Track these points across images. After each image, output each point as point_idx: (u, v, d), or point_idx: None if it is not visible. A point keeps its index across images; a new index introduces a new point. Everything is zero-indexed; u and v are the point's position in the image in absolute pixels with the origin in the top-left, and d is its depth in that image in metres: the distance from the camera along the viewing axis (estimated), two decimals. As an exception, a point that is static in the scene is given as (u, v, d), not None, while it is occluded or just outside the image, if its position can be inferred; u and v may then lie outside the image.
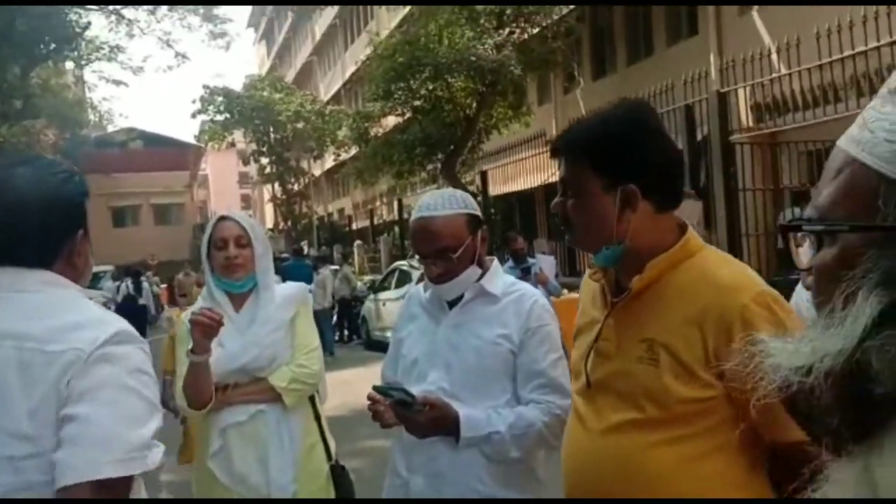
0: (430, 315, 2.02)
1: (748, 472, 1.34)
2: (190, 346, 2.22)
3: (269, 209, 41.29)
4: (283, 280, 2.85)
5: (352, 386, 1.93)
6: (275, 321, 2.39)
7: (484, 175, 14.49)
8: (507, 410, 1.86)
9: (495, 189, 14.02)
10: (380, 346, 12.35)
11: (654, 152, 1.40)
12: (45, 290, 1.33)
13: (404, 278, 12.31)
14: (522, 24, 15.02)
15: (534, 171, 13.15)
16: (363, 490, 2.60)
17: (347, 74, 30.23)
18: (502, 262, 2.21)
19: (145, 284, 16.02)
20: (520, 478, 1.89)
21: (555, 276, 8.15)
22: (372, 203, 26.72)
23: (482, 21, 14.90)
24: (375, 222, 23.50)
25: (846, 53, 7.03)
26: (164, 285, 20.37)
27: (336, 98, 32.51)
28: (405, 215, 18.83)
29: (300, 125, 28.74)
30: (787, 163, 8.81)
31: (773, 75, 8.34)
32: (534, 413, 1.84)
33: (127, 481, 1.25)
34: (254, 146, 32.35)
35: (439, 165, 16.55)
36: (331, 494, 2.43)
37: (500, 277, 1.99)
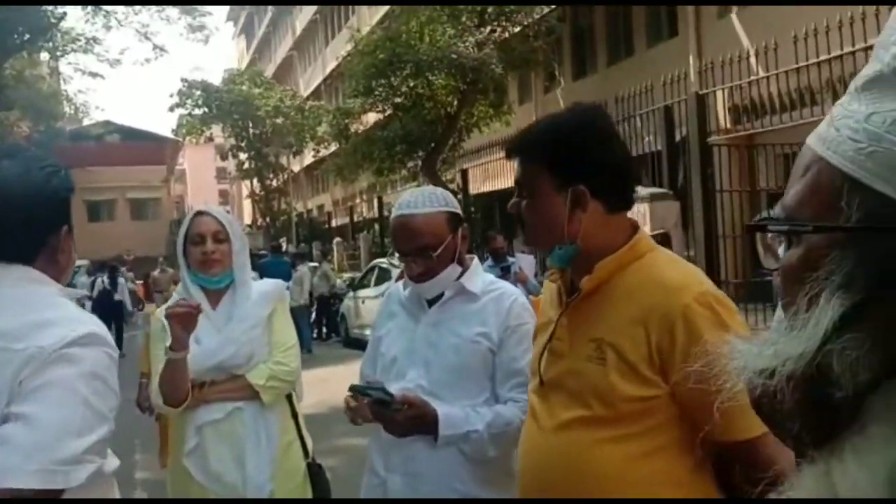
0: (410, 313, 2.01)
1: (692, 471, 1.36)
2: (168, 343, 2.19)
3: (247, 205, 41.03)
4: (261, 277, 2.83)
5: (329, 384, 1.92)
6: (252, 318, 2.37)
7: (464, 173, 14.49)
8: (486, 409, 1.86)
9: (475, 187, 14.04)
10: (358, 344, 12.31)
11: (603, 154, 1.43)
12: (23, 287, 1.30)
13: (384, 276, 12.28)
14: (504, 23, 15.05)
15: (514, 171, 13.14)
16: (339, 489, 2.59)
17: (328, 70, 30.10)
18: (482, 260, 2.22)
19: (121, 280, 15.79)
20: (498, 476, 1.88)
21: (534, 274, 8.18)
22: (352, 200, 26.63)
23: (463, 19, 14.90)
24: (355, 219, 23.42)
25: (822, 57, 7.13)
26: (139, 281, 20.13)
27: (316, 94, 32.36)
28: (385, 213, 18.79)
29: (279, 120, 28.56)
30: (763, 165, 8.92)
31: (751, 78, 8.44)
32: (512, 412, 1.84)
33: (50, 494, 1.18)
34: (232, 141, 32.08)
35: (420, 163, 16.54)
36: (308, 493, 2.42)
37: (479, 276, 1.99)
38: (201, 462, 2.30)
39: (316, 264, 15.68)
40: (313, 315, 14.59)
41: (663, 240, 8.24)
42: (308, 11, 32.96)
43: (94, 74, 36.47)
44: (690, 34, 12.80)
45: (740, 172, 9.03)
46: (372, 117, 17.75)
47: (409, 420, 1.80)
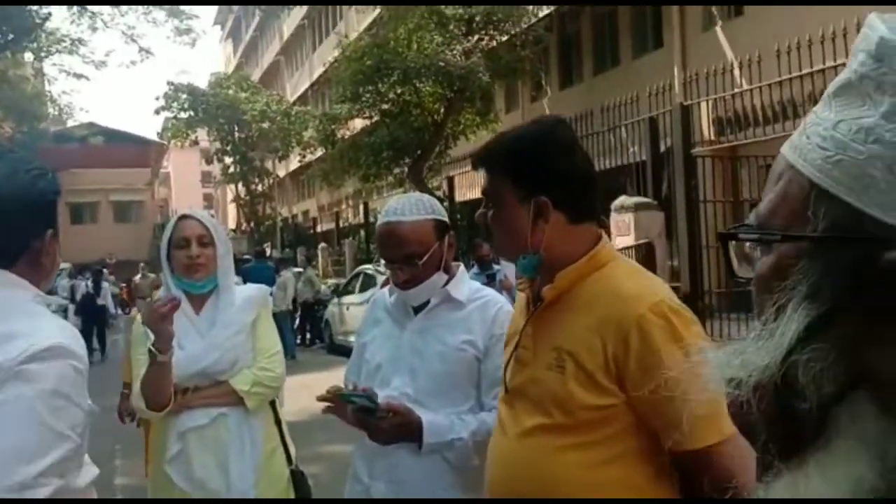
0: (395, 320, 2.01)
1: (651, 480, 1.38)
2: (149, 344, 2.17)
3: (231, 209, 40.80)
4: (245, 282, 2.81)
5: (313, 390, 1.89)
6: (236, 324, 2.36)
7: (451, 181, 14.51)
8: (471, 417, 1.86)
9: (462, 195, 14.06)
10: (342, 351, 12.27)
11: (565, 166, 1.46)
12: None
13: (369, 282, 12.26)
14: (491, 32, 15.13)
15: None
16: (321, 496, 2.58)
17: (315, 75, 30.05)
18: (468, 268, 2.22)
19: (105, 284, 15.65)
20: (481, 484, 1.88)
21: (519, 282, 8.19)
22: (337, 206, 26.56)
23: (451, 27, 14.96)
24: (341, 225, 23.35)
25: (805, 71, 7.23)
26: (122, 285, 19.94)
27: (303, 99, 32.28)
28: (371, 219, 18.77)
29: (266, 125, 28.45)
30: (746, 176, 9.00)
31: (735, 90, 8.54)
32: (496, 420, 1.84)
33: None
34: (218, 145, 31.91)
35: (406, 170, 16.55)
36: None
37: (465, 283, 1.99)
38: (184, 468, 2.28)
39: (300, 270, 15.62)
40: (297, 321, 14.52)
41: (647, 249, 8.32)
42: (296, 16, 32.92)
43: (78, 76, 36.18)
44: (675, 45, 12.93)
45: (724, 183, 9.11)
46: (359, 123, 17.75)
47: (393, 428, 1.80)
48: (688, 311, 1.41)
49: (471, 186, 14.71)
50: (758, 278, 0.55)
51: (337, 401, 1.84)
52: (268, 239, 29.25)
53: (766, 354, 0.51)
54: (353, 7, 24.71)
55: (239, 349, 2.34)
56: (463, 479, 1.86)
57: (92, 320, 14.39)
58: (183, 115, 30.23)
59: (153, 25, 45.07)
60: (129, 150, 39.43)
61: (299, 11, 31.60)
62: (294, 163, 30.41)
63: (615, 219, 8.52)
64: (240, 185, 32.78)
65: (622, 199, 8.62)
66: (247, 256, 15.67)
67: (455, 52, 14.66)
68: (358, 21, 23.89)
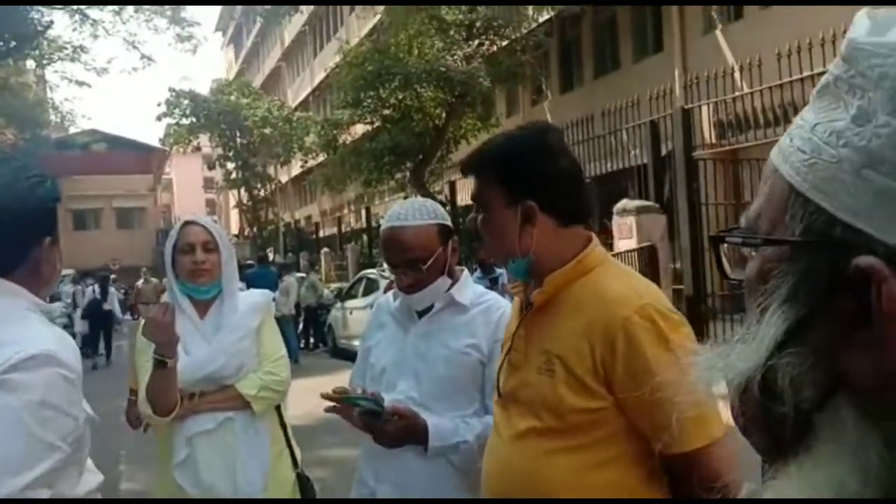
0: (400, 324, 2.02)
1: (643, 482, 1.38)
2: (151, 351, 2.18)
3: (234, 215, 40.85)
4: (248, 287, 2.82)
5: (316, 395, 1.89)
6: (242, 329, 2.37)
7: (452, 185, 14.53)
8: (475, 420, 1.87)
9: (463, 199, 14.07)
10: (346, 355, 12.26)
11: (551, 170, 1.47)
12: None
13: (372, 286, 12.26)
14: (492, 37, 15.17)
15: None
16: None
17: (316, 81, 30.13)
18: (470, 272, 2.22)
19: (111, 289, 15.74)
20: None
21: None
22: (340, 210, 26.59)
23: (452, 32, 15.00)
24: (343, 230, 23.38)
25: (805, 74, 7.24)
26: (123, 289, 19.98)
27: (304, 104, 32.35)
28: (373, 223, 18.79)
29: (267, 131, 28.50)
30: (747, 179, 9.01)
31: (736, 93, 8.55)
32: None
33: None
34: (220, 151, 31.96)
35: (408, 174, 16.57)
36: (297, 503, 2.41)
37: (469, 288, 2.00)
38: (192, 473, 2.28)
39: (303, 275, 15.63)
40: (300, 325, 14.53)
41: (650, 252, 8.33)
42: (297, 22, 32.98)
43: (80, 83, 36.09)
44: (676, 49, 12.96)
45: (725, 186, 9.13)
46: (360, 128, 17.78)
47: (398, 431, 1.81)
48: (676, 313, 1.41)
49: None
50: (746, 281, 0.55)
51: (342, 403, 1.85)
52: (270, 244, 29.27)
53: (748, 357, 0.51)
54: (354, 13, 24.78)
55: (244, 354, 2.35)
56: (468, 482, 1.86)
57: (98, 325, 14.55)
58: (185, 121, 30.30)
59: (154, 32, 45.21)
60: (132, 156, 39.50)
61: (300, 17, 31.66)
62: (296, 168, 30.44)
63: (617, 222, 8.53)
64: (242, 191, 32.83)
65: (624, 203, 8.63)
66: (250, 262, 15.66)
67: (456, 57, 14.70)
68: (359, 27, 23.96)
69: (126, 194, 39.85)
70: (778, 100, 7.76)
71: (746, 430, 0.54)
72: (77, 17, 22.74)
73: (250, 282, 9.95)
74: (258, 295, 2.54)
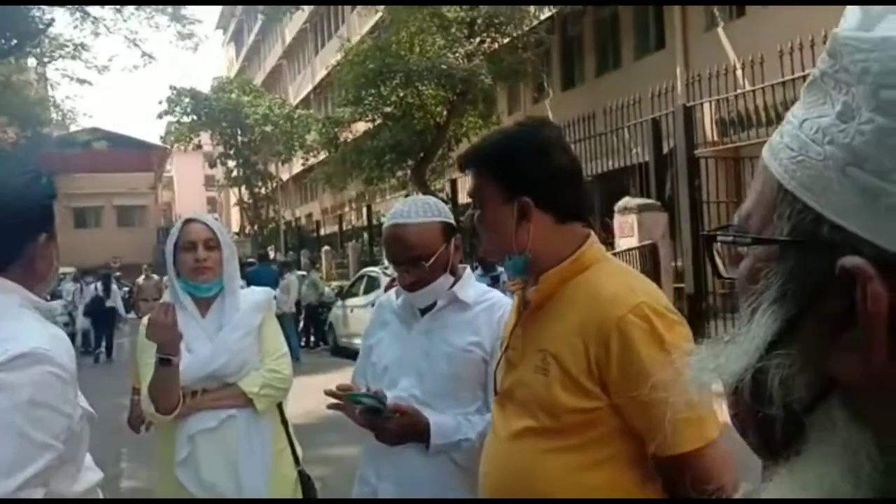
0: (402, 322, 2.02)
1: (639, 484, 1.37)
2: (154, 350, 2.18)
3: (235, 213, 40.85)
4: (248, 285, 2.82)
5: (317, 393, 1.89)
6: (244, 327, 2.37)
7: (453, 183, 14.52)
8: (478, 418, 1.86)
9: (465, 197, 14.08)
10: (346, 353, 12.27)
11: (547, 166, 1.45)
12: None
13: (372, 285, 12.27)
14: (493, 35, 15.16)
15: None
16: (327, 498, 2.58)
17: (317, 79, 30.12)
18: (471, 269, 2.22)
19: (114, 287, 15.80)
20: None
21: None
22: (341, 208, 26.59)
23: (453, 30, 15.00)
24: (344, 228, 23.38)
25: (807, 71, 7.21)
26: (126, 287, 20.00)
27: (305, 102, 32.34)
28: (374, 221, 18.79)
29: (268, 128, 28.49)
30: (749, 177, 8.98)
31: (738, 91, 8.54)
32: None
33: None
34: (221, 149, 31.97)
35: (409, 172, 16.58)
36: (299, 501, 2.41)
37: (472, 285, 2.00)
38: (193, 471, 2.28)
39: (304, 273, 15.63)
40: (301, 323, 14.54)
41: (651, 250, 8.33)
42: (298, 20, 32.98)
43: (81, 81, 36.14)
44: (678, 47, 12.94)
45: (727, 184, 9.12)
46: (361, 126, 17.78)
47: (400, 428, 1.81)
48: (673, 312, 1.39)
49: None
50: (738, 280, 0.54)
51: (345, 400, 1.85)
52: (271, 242, 29.29)
53: (738, 359, 0.50)
54: (356, 11, 24.77)
55: (247, 352, 2.35)
56: (470, 480, 1.86)
57: (101, 322, 14.63)
58: (186, 119, 30.31)
59: (155, 30, 45.27)
60: (133, 154, 39.52)
61: (301, 15, 31.67)
62: (297, 166, 30.47)
63: (619, 220, 8.53)
64: (243, 189, 32.84)
65: (625, 201, 8.63)
66: (251, 260, 15.67)
67: (457, 54, 14.70)
68: (360, 24, 23.94)
69: (127, 192, 39.88)
70: (780, 97, 7.75)
71: (742, 430, 0.54)
72: (78, 14, 22.74)
73: (251, 280, 9.94)
74: (260, 293, 2.54)
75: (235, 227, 38.05)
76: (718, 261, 0.58)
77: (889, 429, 0.45)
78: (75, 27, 26.75)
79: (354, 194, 23.59)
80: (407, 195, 12.15)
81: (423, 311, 1.97)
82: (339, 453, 5.51)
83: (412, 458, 1.86)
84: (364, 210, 20.31)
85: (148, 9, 23.06)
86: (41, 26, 21.62)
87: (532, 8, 14.79)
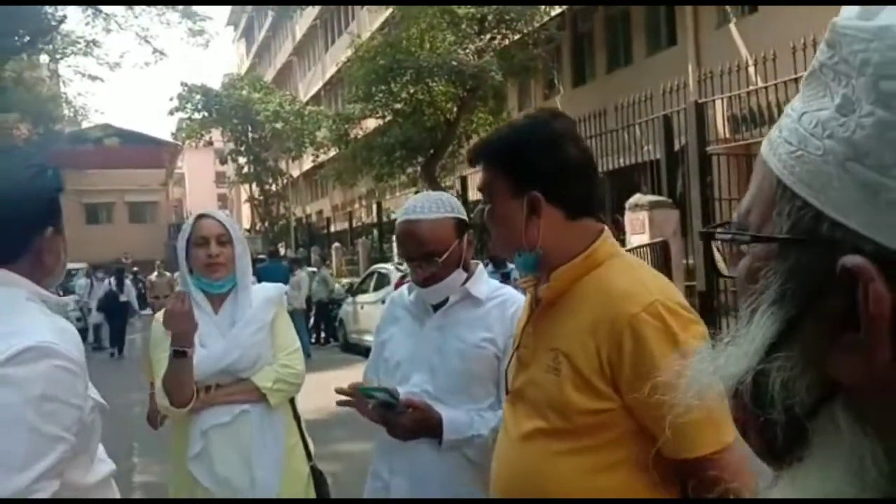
0: (414, 318, 2.01)
1: (652, 487, 1.32)
2: (168, 343, 2.19)
3: (245, 209, 40.99)
4: (259, 281, 2.83)
5: (327, 389, 1.89)
6: (257, 322, 2.37)
7: (464, 180, 14.52)
8: (491, 414, 1.86)
9: (475, 194, 14.07)
10: (357, 349, 12.29)
11: (556, 159, 1.40)
12: None
13: (383, 281, 12.28)
14: (504, 31, 15.12)
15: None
16: (339, 495, 2.59)
17: (327, 75, 30.14)
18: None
19: (128, 282, 15.97)
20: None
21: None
22: (351, 205, 26.64)
23: (464, 26, 14.97)
24: (354, 225, 23.42)
25: (821, 68, 7.16)
26: (140, 282, 20.16)
27: (316, 99, 32.39)
28: (384, 218, 18.80)
29: (279, 125, 28.56)
30: (761, 174, 8.93)
31: (750, 88, 8.48)
32: None
33: None
34: (231, 145, 32.08)
35: (419, 169, 16.57)
36: (311, 496, 2.41)
37: (484, 281, 1.99)
38: (207, 466, 2.29)
39: (314, 269, 15.67)
40: (311, 320, 14.58)
41: (663, 248, 8.29)
42: (308, 16, 33.02)
43: (93, 77, 36.47)
44: (689, 43, 12.87)
45: (739, 181, 9.06)
46: (371, 123, 17.79)
47: (413, 423, 1.80)
48: (688, 310, 1.34)
49: (483, 185, 14.71)
50: (737, 280, 0.53)
51: (356, 396, 1.85)
52: (281, 239, 29.38)
53: (737, 361, 0.49)
54: (366, 7, 24.76)
55: (260, 347, 2.36)
56: (483, 476, 1.86)
57: (114, 317, 14.82)
58: (197, 115, 30.41)
59: (167, 27, 45.45)
60: (144, 150, 39.72)
61: (312, 12, 31.69)
62: (307, 163, 30.51)
63: (630, 217, 8.49)
64: (253, 186, 32.94)
65: (637, 198, 8.59)
66: (261, 256, 15.73)
67: (467, 51, 14.67)
68: (370, 21, 23.94)
69: (138, 188, 40.12)
70: (793, 94, 7.53)
71: (744, 434, 0.53)
72: (90, 11, 22.87)
73: (262, 276, 9.94)
74: (271, 288, 2.55)
75: (246, 224, 38.17)
76: (719, 258, 0.57)
77: (894, 432, 0.44)
78: (87, 24, 26.95)
79: (364, 191, 23.61)
80: (417, 192, 12.17)
81: (436, 307, 1.97)
82: (349, 449, 5.53)
83: (425, 453, 1.85)
84: (374, 207, 20.33)
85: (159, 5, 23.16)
86: (53, 23, 21.74)
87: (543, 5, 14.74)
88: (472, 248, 1.98)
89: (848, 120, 0.46)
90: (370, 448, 2.10)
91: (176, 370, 2.19)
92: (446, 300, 1.95)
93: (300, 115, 28.31)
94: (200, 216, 2.44)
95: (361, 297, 12.86)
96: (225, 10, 49.22)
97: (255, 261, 11.99)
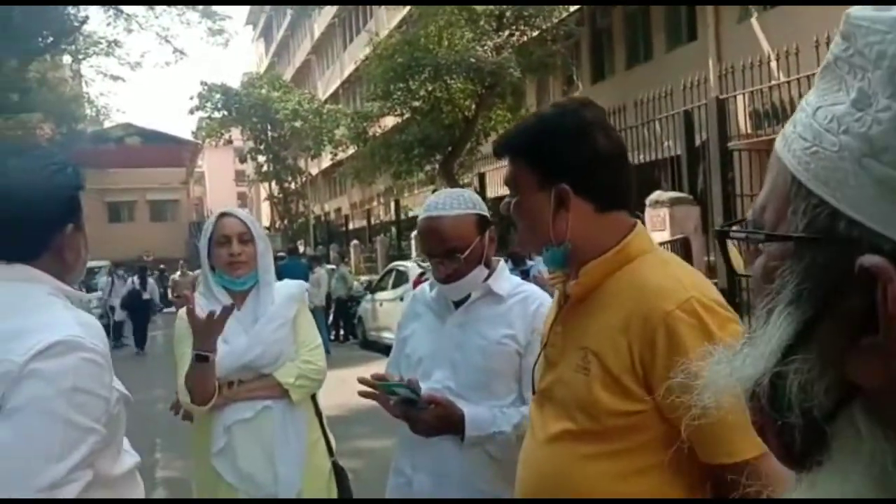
0: (436, 314, 2.01)
1: (685, 493, 1.26)
2: (191, 343, 2.20)
3: (265, 207, 41.26)
4: (279, 278, 2.84)
5: (347, 386, 1.91)
6: (279, 318, 2.39)
7: (482, 177, 14.50)
8: (513, 410, 1.85)
9: (493, 191, 14.04)
10: (376, 347, 12.34)
11: (585, 149, 1.33)
12: (10, 286, 1.27)
13: (401, 279, 12.32)
14: (522, 27, 15.06)
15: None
16: (360, 491, 2.60)
17: (346, 74, 30.23)
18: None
19: (150, 279, 16.23)
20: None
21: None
22: (369, 203, 26.70)
23: (482, 23, 14.93)
24: (372, 222, 23.48)
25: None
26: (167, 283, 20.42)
27: (334, 97, 32.50)
28: (402, 216, 18.83)
29: (298, 123, 28.69)
30: (784, 170, 8.83)
31: (772, 83, 8.38)
32: None
33: None
34: (251, 144, 32.29)
35: (437, 166, 16.57)
36: (333, 493, 2.43)
37: (506, 278, 1.99)
38: (230, 462, 2.30)
39: (333, 267, 15.75)
40: (331, 317, 14.66)
41: (684, 244, 8.22)
42: (326, 15, 33.12)
43: (115, 77, 36.81)
44: (710, 38, 12.74)
45: (761, 177, 8.93)
46: (390, 121, 17.81)
47: (435, 419, 1.80)
48: (725, 307, 1.28)
49: (502, 183, 14.66)
50: (752, 280, 0.52)
51: (378, 390, 1.85)
52: (300, 236, 29.53)
53: (754, 363, 0.47)
54: (384, 5, 24.79)
55: (283, 343, 2.37)
56: (505, 472, 1.85)
57: (138, 314, 15.17)
58: (217, 114, 30.64)
59: (187, 27, 45.77)
60: (165, 149, 40.12)
61: (330, 10, 31.79)
62: (326, 161, 30.63)
63: (650, 214, 8.44)
64: (273, 184, 33.14)
65: (657, 194, 8.53)
66: (281, 253, 15.84)
67: (486, 48, 14.62)
68: (388, 19, 23.96)
69: (159, 187, 40.56)
70: (816, 89, 7.59)
71: (763, 438, 0.51)
72: (111, 12, 23.12)
73: (281, 273, 9.99)
74: (293, 285, 2.56)
75: (266, 222, 38.39)
76: (734, 257, 0.56)
77: None
78: (108, 24, 27.25)
79: (383, 189, 23.65)
80: (435, 190, 12.18)
81: (457, 304, 1.97)
82: (370, 445, 5.54)
83: (447, 449, 1.85)
84: (392, 204, 20.37)
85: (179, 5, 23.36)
86: (76, 24, 22.02)
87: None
88: (493, 244, 1.97)
89: (864, 115, 0.44)
90: (391, 444, 2.10)
91: (197, 372, 2.21)
92: (468, 297, 1.95)
93: (319, 113, 28.42)
94: (222, 215, 2.45)
95: (380, 295, 12.91)
96: (244, 10, 49.55)
97: (275, 258, 12.13)
